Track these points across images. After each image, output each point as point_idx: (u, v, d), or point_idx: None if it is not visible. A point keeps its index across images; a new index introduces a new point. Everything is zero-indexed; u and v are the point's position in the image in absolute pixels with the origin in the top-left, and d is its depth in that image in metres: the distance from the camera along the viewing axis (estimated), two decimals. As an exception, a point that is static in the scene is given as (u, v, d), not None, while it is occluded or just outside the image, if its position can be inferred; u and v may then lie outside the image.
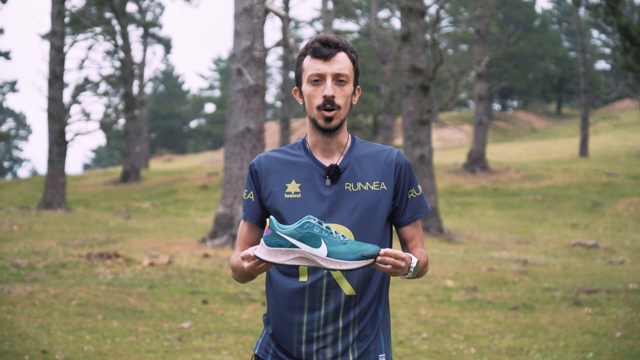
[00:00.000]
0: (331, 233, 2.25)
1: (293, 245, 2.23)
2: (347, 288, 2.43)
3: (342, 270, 2.23)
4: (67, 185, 22.63)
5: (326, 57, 2.42)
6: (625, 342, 6.67)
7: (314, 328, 2.43)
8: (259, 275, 2.52)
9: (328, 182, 2.46)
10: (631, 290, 9.38)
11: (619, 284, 9.73)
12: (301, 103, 2.51)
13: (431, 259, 12.04)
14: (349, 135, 2.56)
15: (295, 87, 2.54)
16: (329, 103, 2.42)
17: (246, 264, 2.30)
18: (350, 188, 2.46)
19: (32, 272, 9.74)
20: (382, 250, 2.24)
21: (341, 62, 2.43)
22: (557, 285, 9.78)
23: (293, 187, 2.48)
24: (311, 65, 2.44)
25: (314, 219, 2.26)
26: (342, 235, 2.27)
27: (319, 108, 2.43)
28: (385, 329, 2.52)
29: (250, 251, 2.29)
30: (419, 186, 2.55)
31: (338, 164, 2.49)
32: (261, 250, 2.26)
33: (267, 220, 2.27)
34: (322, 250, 2.22)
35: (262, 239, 2.27)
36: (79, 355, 6.20)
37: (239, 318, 7.89)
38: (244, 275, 2.51)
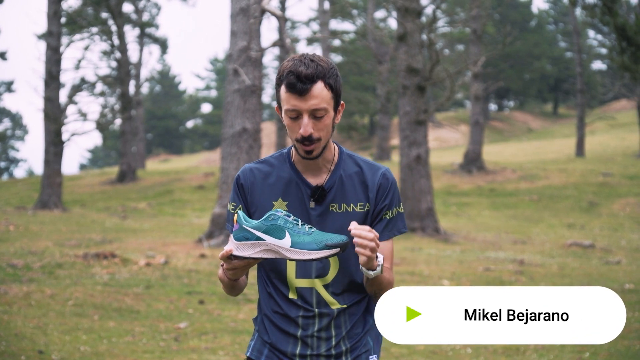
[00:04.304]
0: (296, 224, 2.25)
1: (259, 238, 2.24)
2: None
3: (305, 261, 2.23)
4: (64, 185, 22.58)
5: (301, 93, 2.31)
6: (621, 342, 6.67)
7: (308, 338, 2.44)
8: (255, 277, 2.51)
9: (312, 204, 2.43)
10: (627, 291, 9.39)
11: (615, 284, 9.73)
12: (283, 122, 2.44)
13: (427, 259, 12.05)
14: (335, 147, 2.50)
15: (277, 106, 2.46)
16: (307, 140, 2.35)
17: (225, 265, 2.31)
18: (335, 209, 2.43)
19: (28, 273, 9.72)
20: (353, 226, 2.21)
21: (317, 97, 2.32)
22: (554, 285, 9.79)
23: (280, 206, 2.44)
24: (287, 100, 2.34)
25: (281, 212, 2.26)
26: (310, 227, 2.26)
27: (297, 141, 2.37)
28: (374, 332, 2.54)
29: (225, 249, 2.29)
30: (396, 208, 2.48)
31: (324, 183, 2.44)
32: (230, 246, 2.27)
33: (235, 215, 2.28)
34: (286, 241, 2.23)
35: (230, 234, 2.28)
36: (76, 356, 6.19)
37: (236, 318, 7.89)
38: (228, 285, 2.47)
